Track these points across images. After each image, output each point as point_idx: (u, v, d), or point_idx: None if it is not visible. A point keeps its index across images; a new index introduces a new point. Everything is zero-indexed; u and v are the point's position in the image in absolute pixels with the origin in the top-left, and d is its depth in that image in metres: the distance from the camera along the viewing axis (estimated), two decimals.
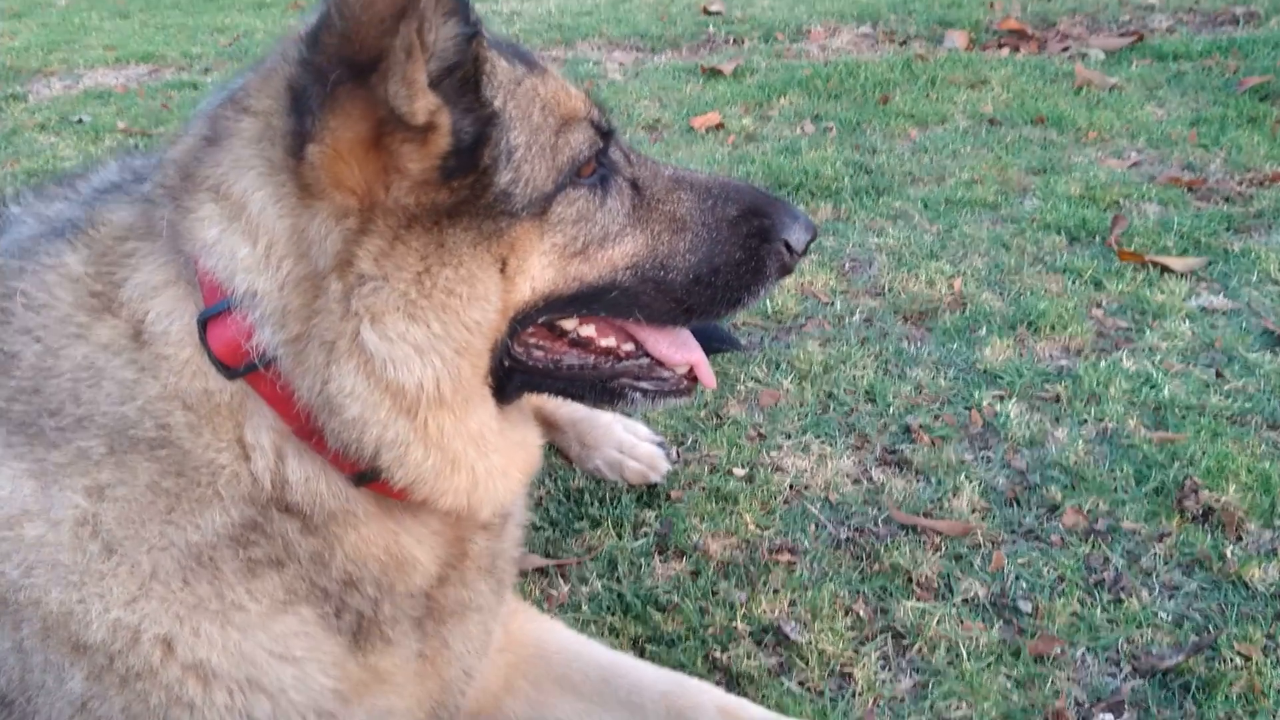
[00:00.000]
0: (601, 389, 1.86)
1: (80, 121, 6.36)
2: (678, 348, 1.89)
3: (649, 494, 2.82)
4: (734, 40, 7.57)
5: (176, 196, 1.56)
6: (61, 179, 1.92)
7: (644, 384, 1.88)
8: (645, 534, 2.68)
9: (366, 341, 1.47)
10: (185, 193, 1.55)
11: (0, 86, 7.37)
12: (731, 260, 1.84)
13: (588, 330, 1.82)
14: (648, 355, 1.87)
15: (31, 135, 6.18)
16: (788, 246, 1.87)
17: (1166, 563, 2.47)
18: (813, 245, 1.98)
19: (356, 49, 1.35)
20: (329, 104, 1.40)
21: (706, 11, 8.27)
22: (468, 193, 1.52)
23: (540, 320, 1.71)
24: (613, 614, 2.42)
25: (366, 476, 1.60)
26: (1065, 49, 6.61)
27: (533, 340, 1.76)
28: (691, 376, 1.92)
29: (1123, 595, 2.38)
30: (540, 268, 1.63)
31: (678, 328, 1.89)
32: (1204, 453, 2.75)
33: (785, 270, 1.89)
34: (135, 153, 1.95)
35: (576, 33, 7.98)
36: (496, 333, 1.61)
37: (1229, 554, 2.46)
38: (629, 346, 1.86)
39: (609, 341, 1.84)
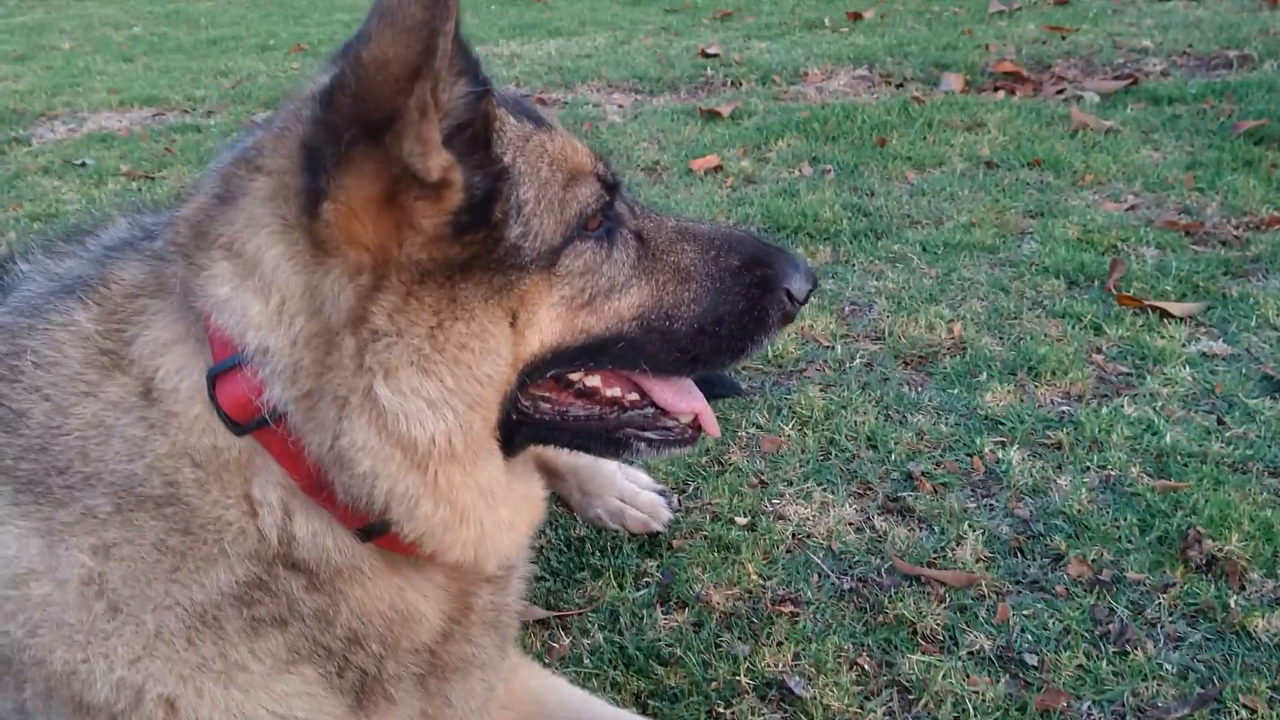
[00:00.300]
0: (607, 439, 1.87)
1: (83, 165, 6.40)
2: (682, 396, 1.90)
3: (651, 543, 2.81)
4: (732, 83, 7.63)
5: (189, 254, 1.56)
6: (70, 235, 1.92)
7: (649, 434, 1.89)
8: (647, 584, 2.67)
9: (380, 396, 1.48)
10: (198, 250, 1.56)
11: (3, 130, 7.41)
12: (735, 310, 1.85)
13: (593, 380, 1.82)
14: (652, 404, 1.88)
15: (34, 178, 6.20)
16: (789, 295, 1.89)
17: (1171, 613, 2.45)
18: (814, 294, 2.00)
19: (371, 108, 1.36)
20: (343, 162, 1.40)
21: (704, 54, 8.34)
22: (479, 247, 1.54)
23: (549, 374, 1.71)
24: (615, 668, 2.40)
25: (373, 531, 1.60)
26: (1060, 92, 6.66)
27: (540, 393, 1.76)
28: (696, 425, 1.93)
29: (1128, 647, 2.36)
30: (548, 320, 1.65)
31: (685, 378, 1.91)
32: (1206, 501, 2.75)
33: (787, 319, 1.92)
34: (145, 209, 1.96)
35: (576, 75, 8.04)
36: (507, 386, 1.62)
37: (1233, 604, 2.45)
38: (634, 396, 1.87)
39: (614, 391, 1.85)
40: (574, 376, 1.80)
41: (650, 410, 1.87)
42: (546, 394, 1.78)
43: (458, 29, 1.38)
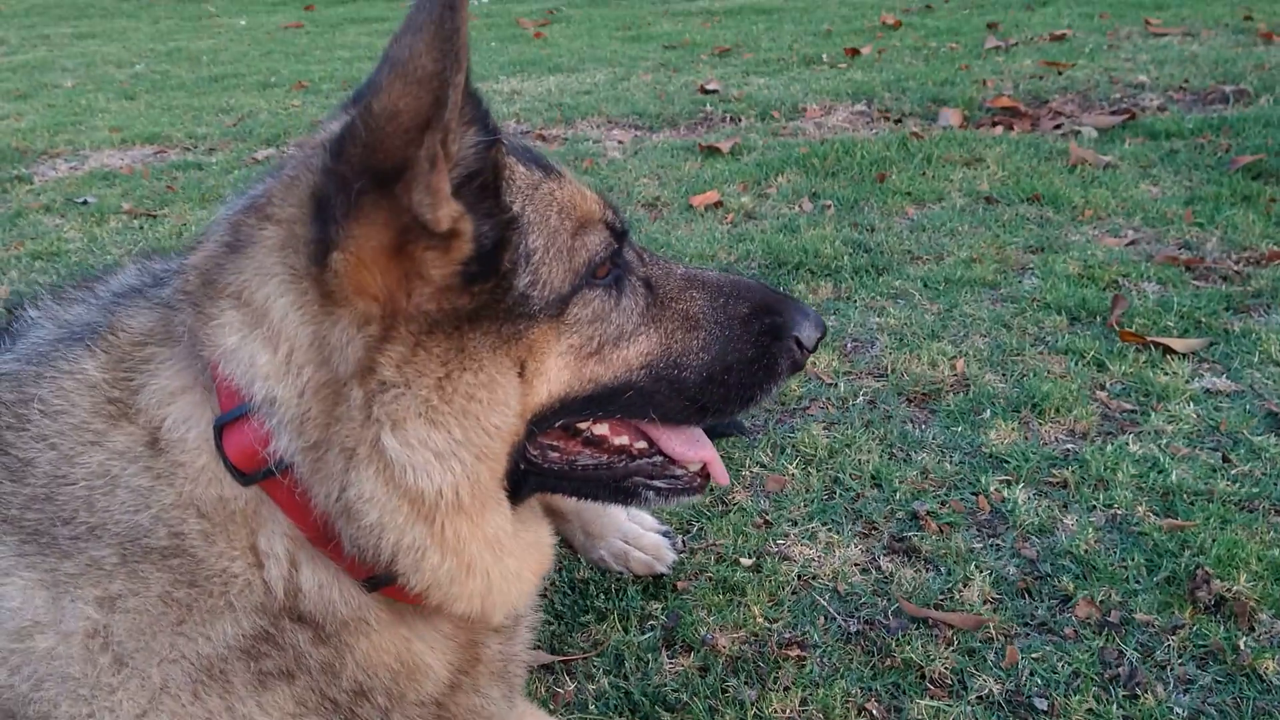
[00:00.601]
0: (615, 488, 1.86)
1: (85, 203, 6.40)
2: (690, 445, 1.89)
3: (655, 585, 2.79)
4: (731, 119, 7.66)
5: (197, 302, 1.56)
6: (80, 281, 1.92)
7: (657, 482, 1.87)
8: (652, 627, 2.64)
9: (387, 448, 1.47)
10: (206, 299, 1.55)
11: (5, 168, 7.43)
12: (744, 358, 1.84)
13: (600, 429, 1.81)
14: (660, 453, 1.86)
15: (36, 217, 6.21)
16: (798, 343, 1.88)
17: (1181, 656, 2.43)
18: (822, 342, 1.99)
19: (381, 158, 1.36)
20: (353, 212, 1.40)
21: (704, 90, 8.38)
22: (488, 297, 1.53)
23: (558, 424, 1.70)
24: (620, 714, 2.38)
25: (379, 582, 1.58)
26: (1058, 126, 6.69)
27: (548, 441, 1.75)
28: (704, 473, 1.91)
29: (1138, 690, 2.34)
30: (557, 370, 1.64)
31: (691, 427, 1.90)
32: (1214, 540, 2.73)
33: (796, 367, 1.90)
34: (154, 256, 1.96)
35: (576, 111, 8.08)
36: (515, 436, 1.61)
37: (1243, 645, 2.43)
38: (641, 444, 1.86)
39: (622, 440, 1.84)
40: (581, 425, 1.78)
41: (658, 459, 1.86)
42: (554, 443, 1.77)
43: (467, 79, 1.38)
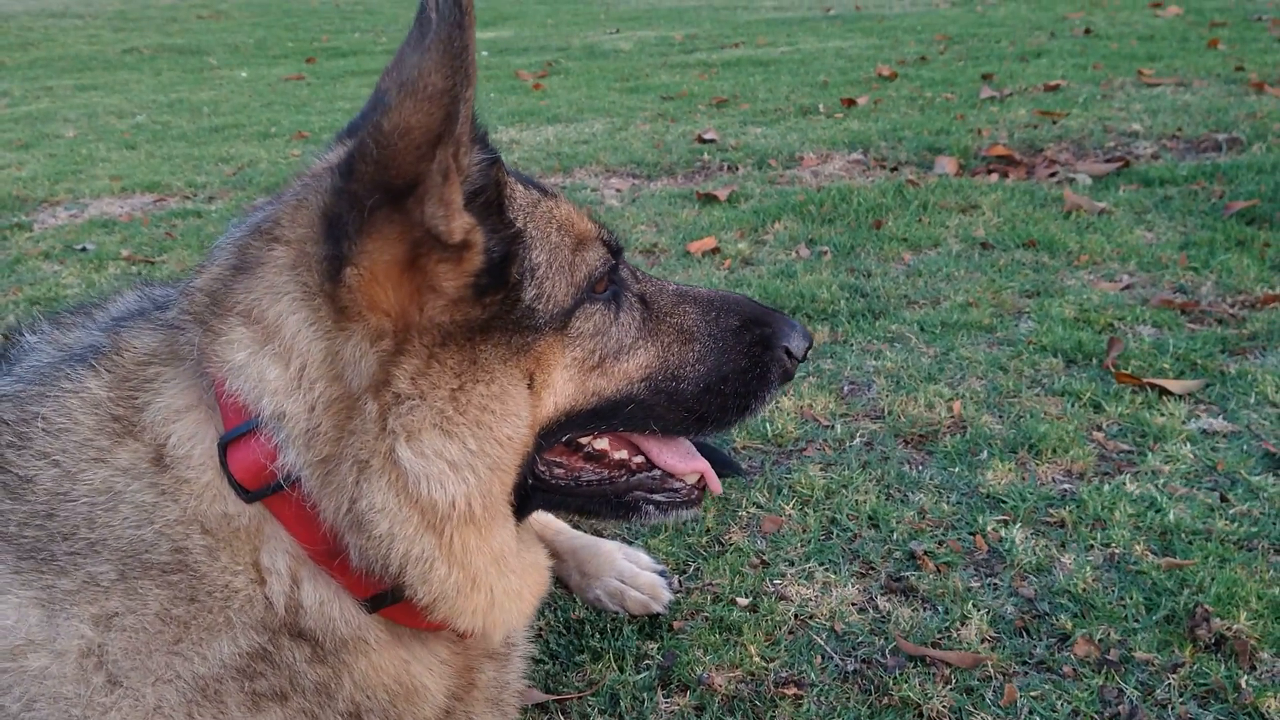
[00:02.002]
0: (617, 503, 1.90)
1: (84, 249, 6.44)
2: (683, 458, 1.95)
3: (651, 624, 2.77)
4: (728, 167, 7.73)
5: (204, 321, 1.59)
6: (77, 308, 1.95)
7: (657, 496, 1.93)
8: (648, 666, 2.62)
9: (401, 459, 1.49)
10: (214, 317, 1.58)
11: (6, 215, 7.47)
12: (738, 368, 1.90)
13: (601, 444, 1.87)
14: (657, 467, 1.92)
15: (35, 263, 6.24)
16: (788, 353, 1.95)
17: (1181, 694, 2.41)
18: (810, 352, 2.05)
19: (394, 174, 1.39)
20: (366, 228, 1.44)
21: (701, 140, 8.46)
22: (498, 308, 1.58)
23: (564, 439, 1.74)
24: None
25: (380, 601, 1.60)
26: (1053, 174, 6.74)
27: (553, 458, 1.80)
28: (700, 486, 1.97)
29: None
30: (562, 382, 1.68)
31: (684, 440, 1.94)
32: (1213, 579, 2.72)
33: (787, 376, 1.98)
34: (154, 283, 1.99)
35: (575, 160, 8.15)
36: (525, 449, 1.65)
37: (1244, 684, 2.41)
38: (639, 459, 1.92)
39: (621, 454, 1.90)
40: (583, 440, 1.83)
41: (657, 473, 1.92)
42: (559, 459, 1.81)
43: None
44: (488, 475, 1.56)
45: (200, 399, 1.57)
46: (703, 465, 1.95)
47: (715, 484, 1.99)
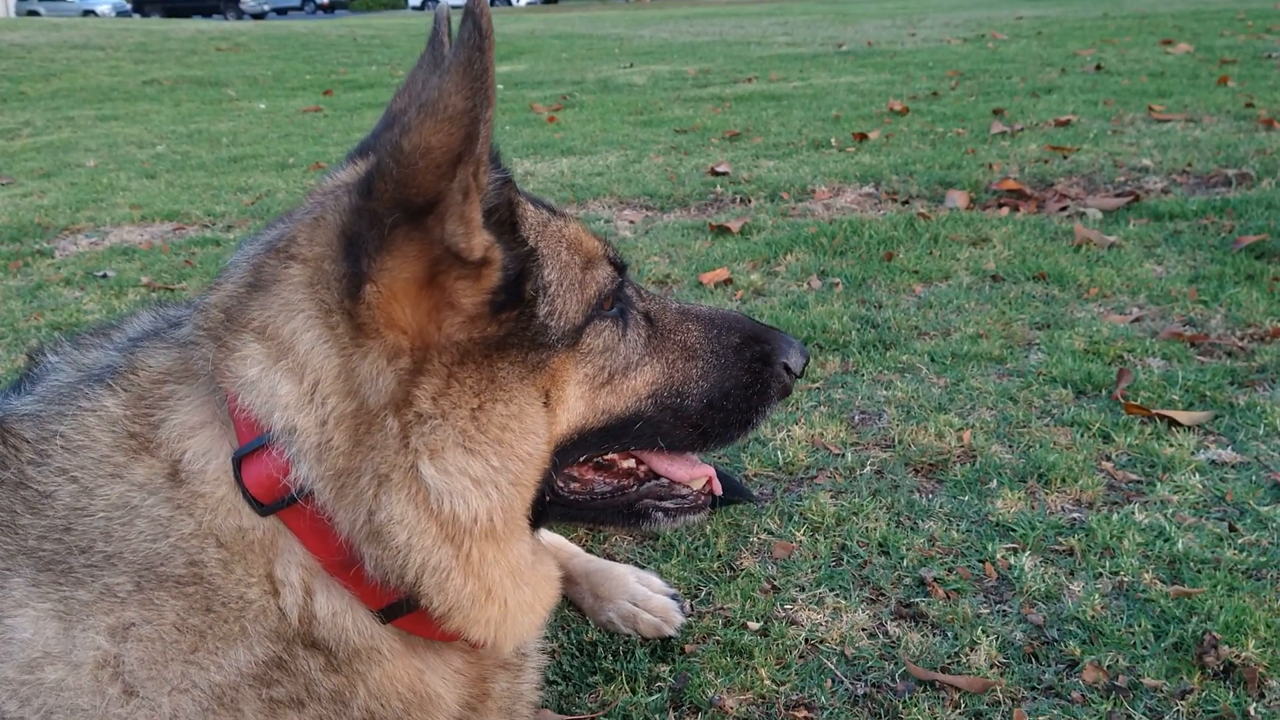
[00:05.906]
0: (628, 512, 1.95)
1: (104, 276, 6.52)
2: (687, 466, 2.00)
3: (663, 647, 2.80)
4: (741, 199, 7.79)
5: (218, 337, 1.62)
6: (96, 330, 1.99)
7: (666, 503, 1.98)
8: (660, 688, 2.65)
9: (424, 475, 1.53)
10: (228, 333, 1.62)
11: (28, 243, 7.58)
12: (740, 384, 1.96)
13: (610, 454, 1.92)
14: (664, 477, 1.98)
15: (56, 289, 6.33)
16: (787, 369, 2.00)
17: None
18: (808, 368, 2.11)
19: (414, 193, 1.43)
20: (385, 245, 1.47)
21: (714, 172, 8.53)
22: (514, 325, 1.62)
23: (581, 458, 1.79)
24: None
25: (394, 611, 1.62)
26: (1063, 208, 6.79)
27: (569, 473, 1.84)
28: (706, 491, 2.02)
29: None
30: (575, 399, 1.73)
31: (693, 454, 2.00)
32: (1221, 607, 2.74)
33: (785, 392, 2.03)
34: (169, 304, 2.03)
35: (588, 192, 8.22)
36: (544, 464, 1.69)
37: (1252, 711, 2.42)
38: (645, 468, 1.97)
39: (629, 463, 1.95)
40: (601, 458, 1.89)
41: (664, 480, 1.97)
42: (574, 472, 1.87)
43: None
44: (510, 491, 1.60)
45: (214, 415, 1.60)
46: (708, 470, 2.01)
47: (718, 486, 2.05)
